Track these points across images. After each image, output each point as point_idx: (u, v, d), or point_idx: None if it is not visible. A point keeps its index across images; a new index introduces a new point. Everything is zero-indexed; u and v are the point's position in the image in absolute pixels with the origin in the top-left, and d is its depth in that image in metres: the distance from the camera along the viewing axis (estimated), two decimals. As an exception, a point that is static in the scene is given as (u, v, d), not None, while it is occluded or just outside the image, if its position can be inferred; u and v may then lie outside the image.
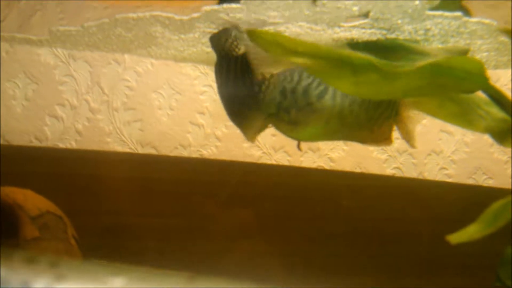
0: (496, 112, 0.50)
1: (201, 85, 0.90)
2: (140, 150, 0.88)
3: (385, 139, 0.62)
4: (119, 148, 0.88)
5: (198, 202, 0.85)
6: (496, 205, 0.36)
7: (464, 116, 0.52)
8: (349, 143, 0.94)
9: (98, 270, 0.16)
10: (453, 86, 0.48)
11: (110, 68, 0.88)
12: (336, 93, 0.53)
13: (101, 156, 0.86)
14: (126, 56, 0.88)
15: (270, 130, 0.94)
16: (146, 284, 0.16)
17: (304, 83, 0.52)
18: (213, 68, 0.84)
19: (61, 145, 0.86)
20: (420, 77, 0.46)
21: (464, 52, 0.52)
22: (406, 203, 0.89)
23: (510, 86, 0.99)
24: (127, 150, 0.88)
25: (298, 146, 0.60)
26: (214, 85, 0.91)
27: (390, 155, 0.95)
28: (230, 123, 0.91)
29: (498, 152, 0.98)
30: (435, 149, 0.96)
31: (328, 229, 0.87)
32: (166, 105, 0.89)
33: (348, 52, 0.45)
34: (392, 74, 0.45)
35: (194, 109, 0.90)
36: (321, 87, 0.52)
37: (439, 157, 0.97)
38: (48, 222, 0.49)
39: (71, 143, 0.86)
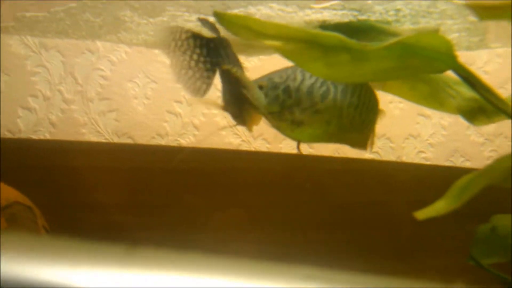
0: (466, 91, 0.50)
1: (177, 73, 0.89)
2: (116, 141, 0.87)
3: (366, 143, 0.61)
4: (95, 139, 0.86)
5: (179, 191, 0.84)
6: (461, 181, 0.36)
7: (435, 97, 0.53)
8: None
9: (30, 242, 0.16)
10: (423, 66, 0.47)
11: (84, 58, 0.87)
12: (337, 94, 0.53)
13: (77, 146, 0.85)
14: (100, 45, 0.86)
15: (248, 117, 0.93)
16: (81, 255, 0.16)
17: (308, 82, 0.52)
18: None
19: (35, 137, 0.85)
20: (390, 57, 0.46)
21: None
22: (385, 186, 0.90)
23: (486, 69, 1.00)
24: (103, 140, 0.87)
25: (298, 147, 0.59)
26: (190, 73, 0.90)
27: (368, 140, 0.95)
28: (207, 111, 0.91)
29: (475, 134, 0.99)
30: (412, 133, 0.97)
31: (308, 213, 0.87)
32: (141, 94, 0.88)
33: (318, 32, 0.44)
34: (363, 54, 0.45)
35: (170, 98, 0.89)
36: (324, 88, 0.52)
37: (417, 141, 0.97)
38: (17, 213, 0.49)
39: (45, 135, 0.85)
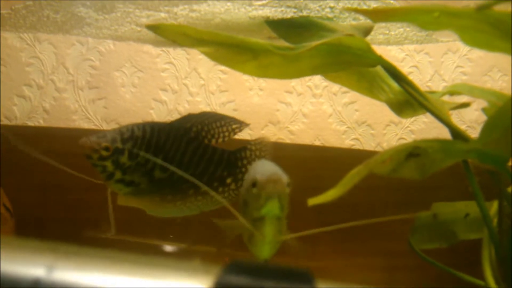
0: (396, 85, 0.53)
1: (163, 62, 0.93)
2: (105, 127, 0.92)
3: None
4: (85, 125, 0.92)
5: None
6: (351, 173, 0.39)
7: (371, 89, 0.55)
8: (309, 115, 0.96)
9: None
10: (354, 61, 0.50)
11: (74, 49, 0.91)
12: None
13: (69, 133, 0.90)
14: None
15: (231, 105, 0.97)
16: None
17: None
18: (163, 47, 0.86)
19: (30, 123, 0.90)
20: (321, 55, 0.49)
21: (369, 29, 0.54)
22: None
23: (470, 56, 1.00)
24: (93, 126, 0.92)
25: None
26: (176, 62, 0.94)
27: (349, 127, 0.97)
28: (192, 99, 0.94)
29: (457, 122, 1.00)
30: (393, 120, 0.98)
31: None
32: (129, 83, 0.93)
33: (247, 38, 0.47)
34: (293, 55, 0.48)
35: (156, 86, 0.94)
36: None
37: (398, 128, 0.99)
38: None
39: (39, 121, 0.91)
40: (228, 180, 0.58)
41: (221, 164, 0.57)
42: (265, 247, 0.51)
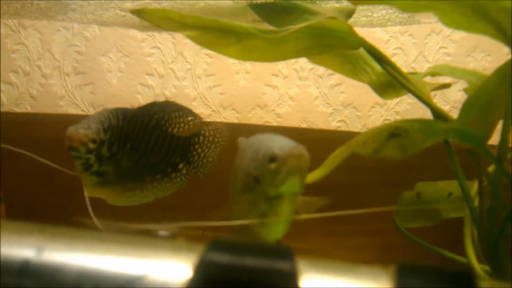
0: (378, 67, 0.53)
1: (149, 47, 0.93)
2: (93, 112, 0.92)
3: None
4: (72, 111, 0.92)
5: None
6: (334, 154, 0.40)
7: (355, 71, 0.56)
8: (296, 98, 0.97)
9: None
10: (337, 44, 0.51)
11: (60, 35, 0.91)
12: None
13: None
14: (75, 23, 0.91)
15: (218, 89, 0.97)
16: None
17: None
18: (148, 31, 0.86)
19: (17, 110, 0.90)
20: (305, 38, 0.49)
21: (352, 12, 0.55)
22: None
23: (453, 37, 1.01)
24: (80, 112, 0.92)
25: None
26: (162, 46, 0.94)
27: (335, 109, 0.98)
28: (178, 83, 0.95)
29: (441, 102, 1.01)
30: (379, 101, 0.99)
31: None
32: (115, 68, 0.93)
33: (231, 21, 0.48)
34: (277, 39, 0.48)
35: (143, 71, 0.94)
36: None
37: (383, 109, 1.00)
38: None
39: (26, 108, 0.91)
40: (180, 166, 0.58)
41: (176, 150, 0.58)
42: (280, 227, 0.48)
